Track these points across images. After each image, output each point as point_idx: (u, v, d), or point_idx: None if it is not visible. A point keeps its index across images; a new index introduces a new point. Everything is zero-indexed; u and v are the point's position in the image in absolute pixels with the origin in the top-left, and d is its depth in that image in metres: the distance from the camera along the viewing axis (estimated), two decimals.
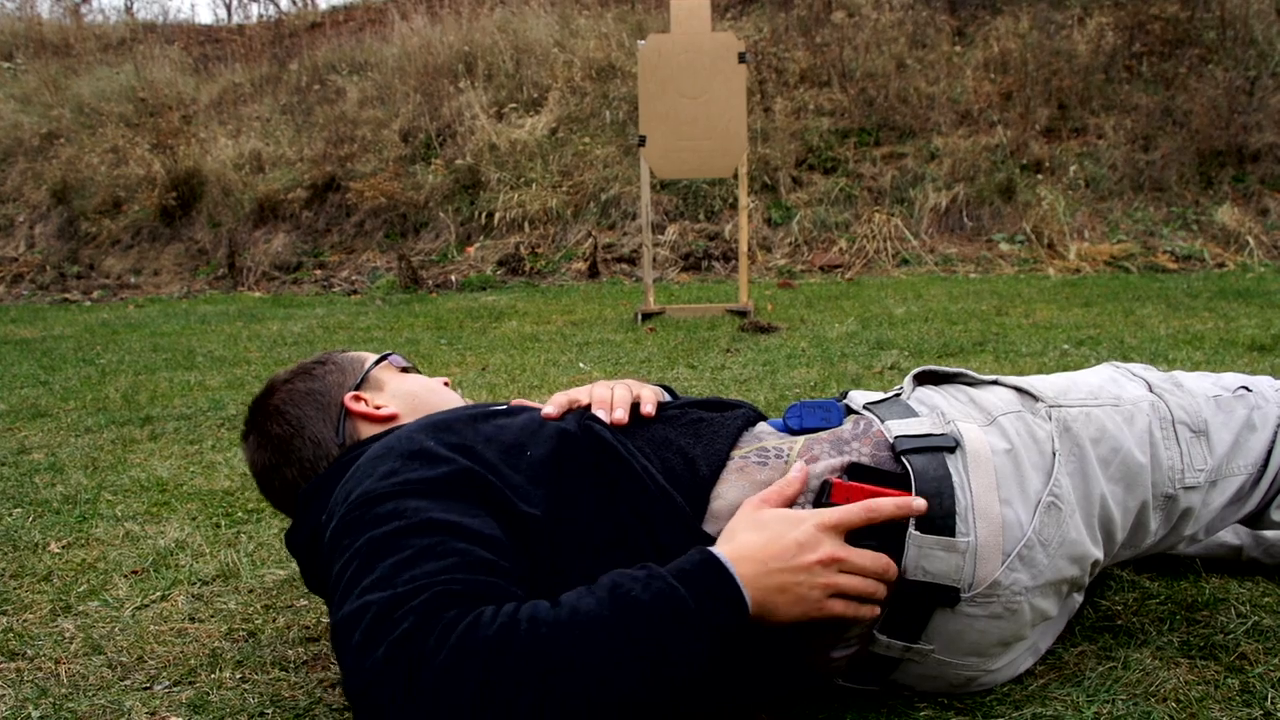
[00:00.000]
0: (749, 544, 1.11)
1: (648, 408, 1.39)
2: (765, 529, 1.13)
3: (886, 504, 1.16)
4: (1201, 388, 1.41)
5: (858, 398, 1.41)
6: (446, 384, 1.57)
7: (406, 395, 1.49)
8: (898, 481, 1.22)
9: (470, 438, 1.24)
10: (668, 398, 1.52)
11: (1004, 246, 7.33)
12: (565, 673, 0.97)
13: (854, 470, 1.23)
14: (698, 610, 1.03)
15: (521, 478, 1.21)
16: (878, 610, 1.16)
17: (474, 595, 1.03)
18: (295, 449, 1.44)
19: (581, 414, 1.34)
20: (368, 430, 1.43)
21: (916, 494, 1.19)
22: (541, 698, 0.96)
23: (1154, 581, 1.64)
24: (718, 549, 1.11)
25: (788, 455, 1.28)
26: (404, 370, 1.59)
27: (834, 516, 1.14)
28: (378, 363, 1.56)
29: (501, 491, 1.17)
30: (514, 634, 0.98)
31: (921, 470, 1.21)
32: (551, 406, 1.38)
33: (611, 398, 1.39)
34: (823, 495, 1.20)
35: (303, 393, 1.48)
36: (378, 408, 1.45)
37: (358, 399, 1.47)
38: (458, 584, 1.04)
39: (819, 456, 1.26)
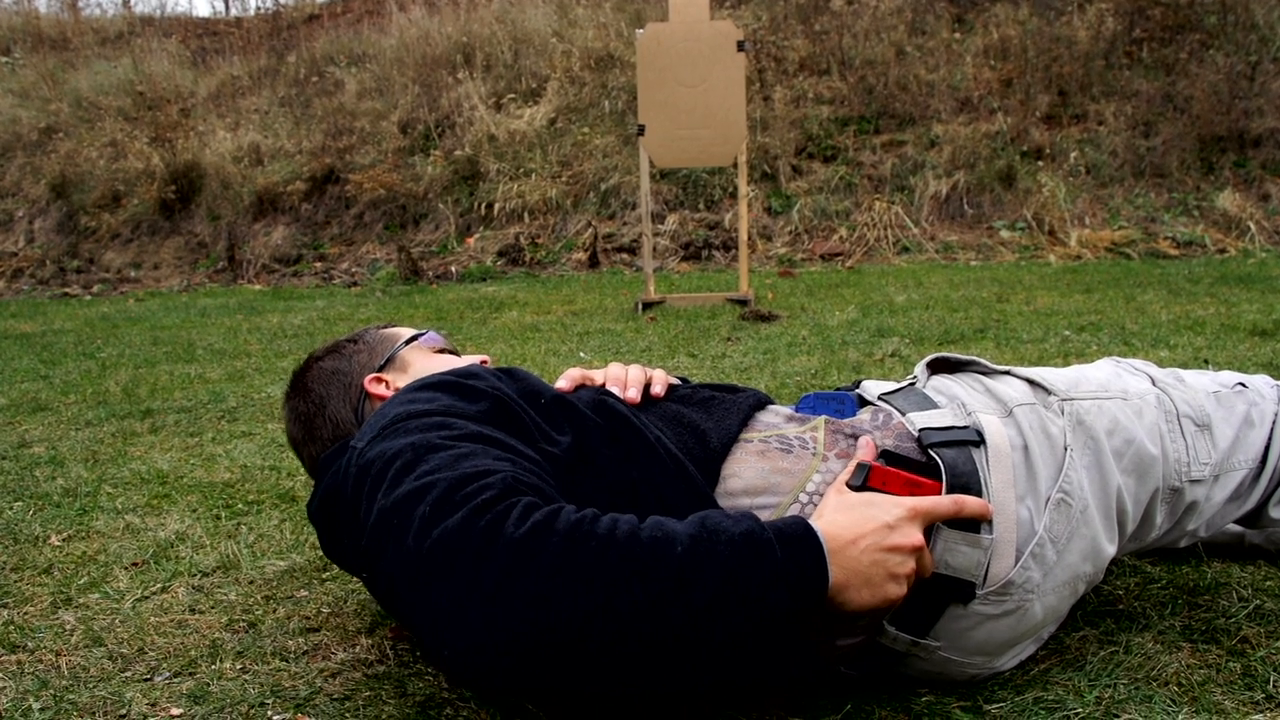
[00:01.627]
0: (839, 523, 1.09)
1: (657, 388, 1.42)
2: (854, 510, 1.11)
3: (973, 503, 1.16)
4: (1201, 384, 1.42)
5: (871, 388, 1.41)
6: (485, 364, 1.54)
7: None
8: (928, 471, 1.22)
9: (497, 383, 1.26)
10: (680, 384, 1.53)
11: (1005, 234, 7.31)
12: (638, 577, 0.95)
13: (886, 457, 1.23)
14: (783, 560, 1.00)
15: (543, 421, 1.23)
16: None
17: (543, 492, 1.03)
18: (316, 427, 1.46)
19: (596, 390, 1.36)
20: None
21: (948, 488, 1.19)
22: (609, 598, 0.94)
23: (1155, 566, 1.64)
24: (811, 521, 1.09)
25: (814, 447, 1.27)
26: (440, 351, 1.58)
27: (926, 505, 1.13)
28: (408, 343, 1.55)
29: (530, 430, 1.19)
30: (595, 530, 0.97)
31: (951, 464, 1.21)
32: (564, 381, 1.39)
33: (625, 377, 1.41)
34: (857, 479, 1.18)
35: (329, 371, 1.50)
36: (397, 390, 1.45)
37: (378, 381, 1.47)
38: (526, 479, 1.04)
39: (848, 451, 1.26)
